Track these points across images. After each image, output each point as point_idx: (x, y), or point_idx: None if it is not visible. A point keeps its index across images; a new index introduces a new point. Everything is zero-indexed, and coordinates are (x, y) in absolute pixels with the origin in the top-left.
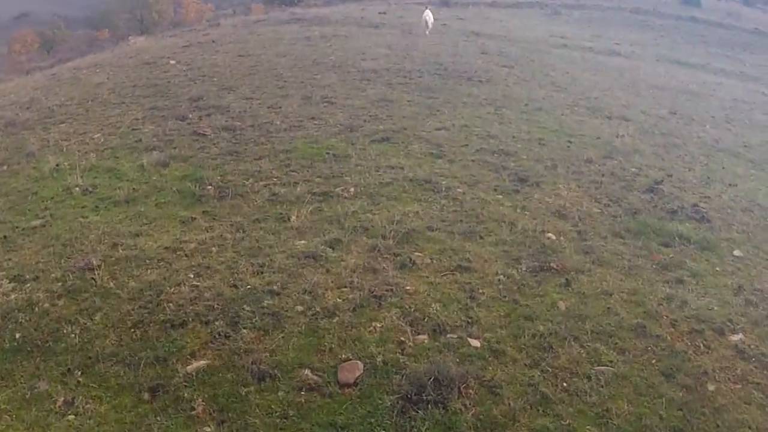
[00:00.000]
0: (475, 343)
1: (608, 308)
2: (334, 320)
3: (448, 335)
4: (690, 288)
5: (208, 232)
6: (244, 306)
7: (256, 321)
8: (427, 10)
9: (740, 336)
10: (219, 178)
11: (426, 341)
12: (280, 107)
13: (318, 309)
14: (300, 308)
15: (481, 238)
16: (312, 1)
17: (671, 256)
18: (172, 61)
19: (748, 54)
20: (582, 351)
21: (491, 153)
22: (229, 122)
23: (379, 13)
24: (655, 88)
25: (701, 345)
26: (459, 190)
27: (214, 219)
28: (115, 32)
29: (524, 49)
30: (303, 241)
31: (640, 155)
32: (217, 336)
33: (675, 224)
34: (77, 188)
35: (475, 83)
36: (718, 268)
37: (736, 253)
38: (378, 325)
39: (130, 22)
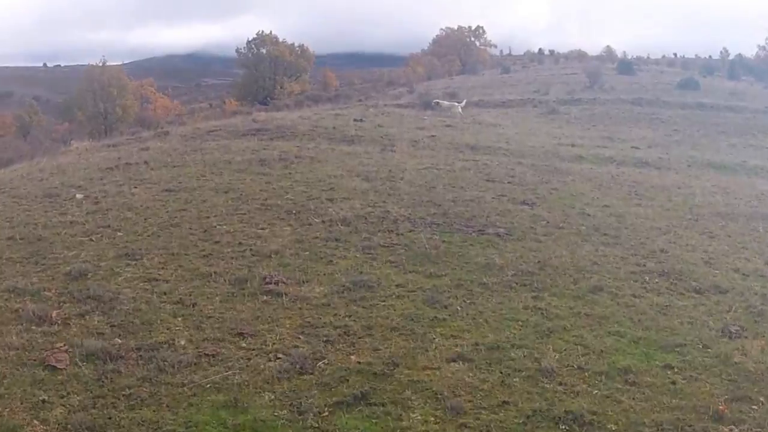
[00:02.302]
0: None
1: None
2: None
3: None
4: None
5: None
6: None
7: None
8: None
9: None
10: None
11: None
12: (194, 303)
13: None
14: None
15: None
16: (283, 102)
17: None
18: (79, 195)
19: None
20: None
21: (554, 423)
22: (106, 338)
23: (355, 120)
24: (720, 217)
25: None
26: None
27: None
28: (77, 126)
29: (537, 169)
30: None
31: None
32: None
33: None
34: None
35: (491, 239)
36: None
37: None
38: None
39: (94, 116)
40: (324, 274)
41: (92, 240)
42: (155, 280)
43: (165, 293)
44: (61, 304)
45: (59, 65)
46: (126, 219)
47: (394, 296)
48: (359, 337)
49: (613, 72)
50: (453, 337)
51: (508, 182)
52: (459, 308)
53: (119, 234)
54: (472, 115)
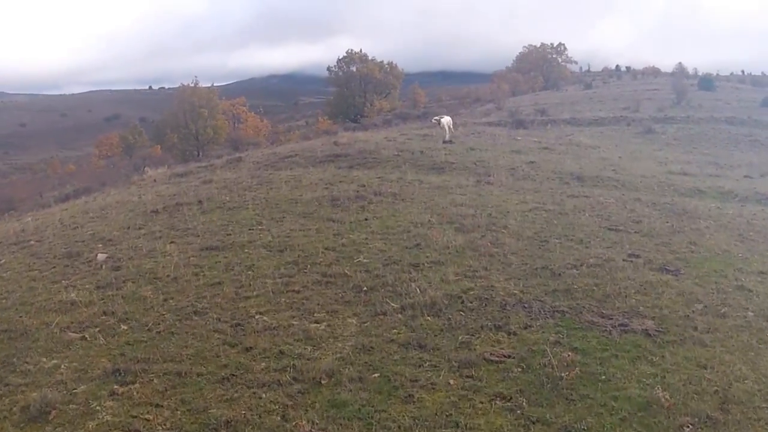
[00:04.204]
0: None
1: None
2: None
3: None
4: None
5: None
6: None
7: None
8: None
9: None
10: None
11: None
12: None
13: None
14: None
15: None
16: (371, 120)
17: None
18: (102, 256)
19: None
20: None
21: None
22: None
23: (444, 142)
24: None
25: None
26: None
27: None
28: (169, 148)
29: (660, 210)
30: None
31: None
32: None
33: None
34: None
35: (639, 341)
36: None
37: None
38: None
39: (185, 138)
40: (399, 427)
41: (85, 338)
42: None
43: None
44: None
45: (164, 87)
46: (140, 299)
47: None
48: None
49: (694, 88)
50: None
51: (635, 231)
52: None
53: (123, 328)
54: (568, 135)
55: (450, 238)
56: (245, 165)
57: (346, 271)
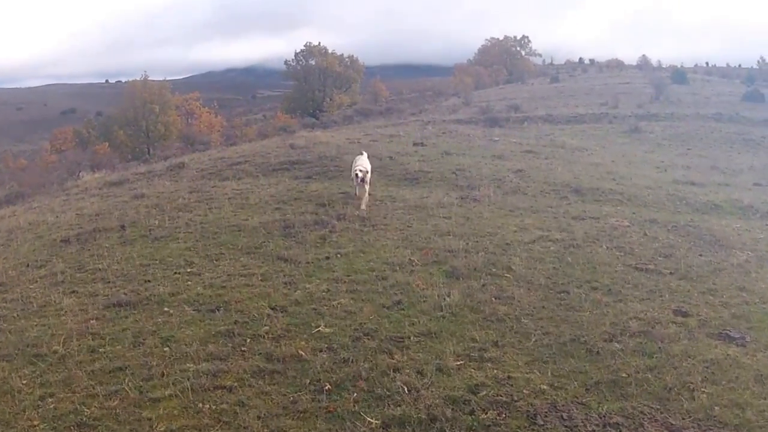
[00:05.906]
0: None
1: None
2: None
3: None
4: None
5: None
6: None
7: None
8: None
9: None
10: None
11: None
12: None
13: None
14: None
15: None
16: (330, 118)
17: None
18: None
19: None
20: None
21: None
22: None
23: (415, 144)
24: None
25: None
26: None
27: None
28: (118, 146)
29: (683, 235)
30: None
31: None
32: None
33: None
34: None
35: None
36: None
37: None
38: None
39: (135, 135)
40: None
41: None
42: None
43: None
44: None
45: (120, 81)
46: (10, 395)
47: None
48: None
49: (668, 81)
50: None
51: (669, 271)
52: None
53: None
54: (547, 134)
55: (441, 291)
56: (187, 173)
57: (301, 351)
